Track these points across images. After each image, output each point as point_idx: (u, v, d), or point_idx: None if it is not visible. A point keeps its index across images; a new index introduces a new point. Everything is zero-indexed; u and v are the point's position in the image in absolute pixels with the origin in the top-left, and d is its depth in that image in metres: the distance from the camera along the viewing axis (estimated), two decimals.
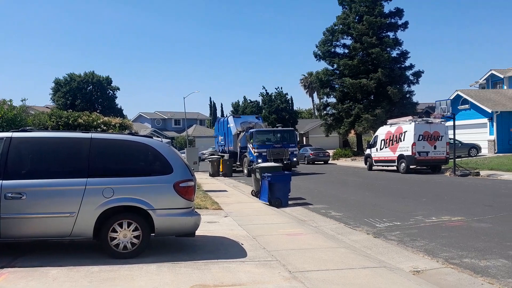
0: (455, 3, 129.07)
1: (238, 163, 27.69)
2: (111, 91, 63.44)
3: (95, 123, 16.40)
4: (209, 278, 5.68)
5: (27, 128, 7.34)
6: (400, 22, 43.61)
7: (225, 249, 7.35)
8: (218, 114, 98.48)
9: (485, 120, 33.39)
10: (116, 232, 6.59)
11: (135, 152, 7.12)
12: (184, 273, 5.88)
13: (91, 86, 62.10)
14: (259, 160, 22.32)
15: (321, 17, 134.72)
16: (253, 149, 24.24)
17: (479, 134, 33.61)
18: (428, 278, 5.95)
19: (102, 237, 6.57)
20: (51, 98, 64.38)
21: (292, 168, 25.52)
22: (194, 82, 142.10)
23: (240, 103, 76.91)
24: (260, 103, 67.18)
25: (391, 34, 43.66)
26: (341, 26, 44.84)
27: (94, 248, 7.06)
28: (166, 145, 7.31)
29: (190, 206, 7.06)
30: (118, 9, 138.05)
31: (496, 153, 31.95)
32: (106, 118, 17.22)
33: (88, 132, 7.21)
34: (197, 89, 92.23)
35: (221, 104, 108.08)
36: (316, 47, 46.01)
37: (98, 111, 45.80)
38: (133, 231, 6.63)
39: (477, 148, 32.24)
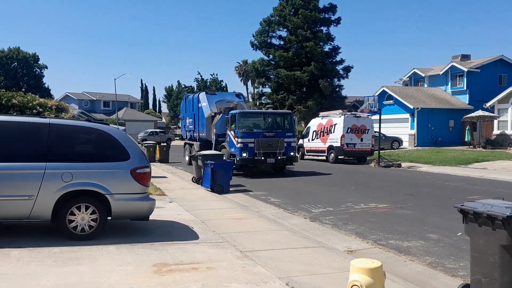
0: (385, 4, 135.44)
1: None
2: (38, 69, 60.28)
3: (31, 104, 15.91)
4: (168, 257, 6.18)
5: None
6: (333, 18, 45.48)
7: (177, 232, 7.85)
8: (150, 97, 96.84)
9: (407, 115, 35.99)
10: (74, 215, 6.88)
11: (93, 139, 7.40)
12: (143, 254, 6.33)
13: (15, 63, 58.59)
14: (244, 154, 17.61)
15: (258, 5, 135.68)
16: (236, 138, 17.99)
17: (401, 128, 36.18)
18: (360, 256, 6.79)
19: (60, 219, 6.83)
20: None
21: (288, 166, 20.26)
22: (125, 64, 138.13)
23: (174, 87, 76.38)
24: (195, 88, 67.17)
25: (324, 29, 45.41)
26: (277, 18, 45.89)
27: (50, 230, 7.29)
28: (123, 132, 7.64)
29: (146, 192, 7.47)
30: None
31: (415, 146, 34.63)
32: (42, 100, 16.70)
33: (46, 117, 7.36)
34: (127, 70, 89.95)
35: (153, 88, 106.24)
36: (253, 36, 46.87)
37: (23, 90, 43.46)
38: (90, 214, 6.95)
39: (399, 141, 34.74)
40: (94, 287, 4.97)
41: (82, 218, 6.91)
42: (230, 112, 19.26)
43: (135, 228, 7.94)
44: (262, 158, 17.81)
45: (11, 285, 4.96)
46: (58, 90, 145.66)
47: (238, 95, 23.24)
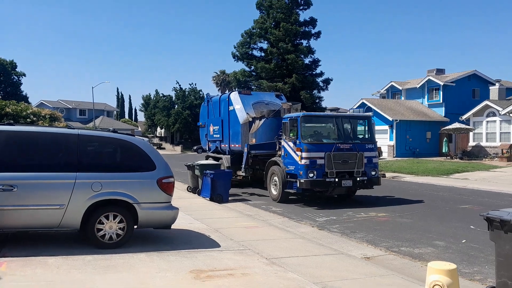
0: (362, 19, 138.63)
1: (252, 174, 16.40)
2: (16, 77, 59.03)
3: (24, 113, 15.79)
4: (201, 264, 6.39)
5: (12, 122, 7.43)
6: (313, 31, 46.24)
7: (198, 240, 8.05)
8: (126, 106, 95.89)
9: (386, 127, 36.97)
10: (103, 223, 7.02)
11: (120, 149, 7.56)
12: (175, 261, 6.53)
13: None
14: (311, 175, 12.66)
15: (237, 18, 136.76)
16: (298, 152, 12.92)
17: (380, 139, 36.95)
18: (378, 263, 7.19)
19: (89, 228, 6.95)
20: None
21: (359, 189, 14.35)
22: (100, 72, 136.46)
23: (152, 96, 75.84)
24: (174, 97, 66.91)
25: (304, 42, 46.14)
26: (258, 30, 46.40)
27: (72, 239, 7.41)
28: (148, 143, 7.82)
29: (170, 201, 7.66)
30: None
31: (394, 157, 35.57)
32: (35, 109, 16.64)
33: (74, 129, 7.50)
34: (103, 78, 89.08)
35: (129, 96, 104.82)
36: (235, 48, 47.19)
37: None
38: (118, 223, 7.10)
39: (379, 152, 35.59)
40: None
41: (110, 226, 7.06)
42: (286, 116, 14.17)
43: (156, 236, 8.10)
44: (336, 179, 12.82)
45: None
46: (33, 97, 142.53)
47: (279, 95, 18.84)
